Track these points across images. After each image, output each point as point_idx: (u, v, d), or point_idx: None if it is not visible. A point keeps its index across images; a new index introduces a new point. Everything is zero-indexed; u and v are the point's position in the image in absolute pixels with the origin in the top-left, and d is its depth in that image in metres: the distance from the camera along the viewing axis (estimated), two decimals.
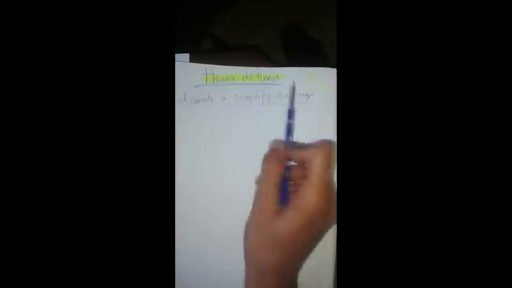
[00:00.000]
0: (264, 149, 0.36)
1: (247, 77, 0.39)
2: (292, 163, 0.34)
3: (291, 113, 0.37)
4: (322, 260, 0.37)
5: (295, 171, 0.34)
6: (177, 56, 0.39)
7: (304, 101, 0.39)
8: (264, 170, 0.33)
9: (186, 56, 0.40)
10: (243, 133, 0.38)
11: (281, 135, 0.37)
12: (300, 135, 0.38)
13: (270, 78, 0.39)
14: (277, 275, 0.30)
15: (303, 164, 0.33)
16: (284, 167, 0.33)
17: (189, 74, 0.39)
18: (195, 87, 0.39)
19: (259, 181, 0.33)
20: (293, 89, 0.38)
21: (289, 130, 0.36)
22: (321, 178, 0.30)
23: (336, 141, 0.36)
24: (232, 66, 0.39)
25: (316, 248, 0.37)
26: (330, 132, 0.38)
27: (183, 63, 0.39)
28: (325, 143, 0.35)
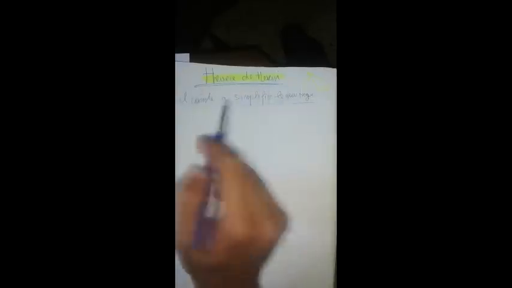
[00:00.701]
0: (265, 148, 0.36)
1: (247, 76, 0.39)
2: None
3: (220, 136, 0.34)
4: (322, 260, 0.37)
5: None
6: (177, 56, 0.39)
7: (304, 101, 0.39)
8: (181, 202, 0.28)
9: (186, 55, 0.40)
10: (242, 133, 0.38)
11: (281, 135, 0.37)
12: (301, 135, 0.38)
13: (270, 78, 0.39)
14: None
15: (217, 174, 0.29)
16: (203, 198, 0.29)
17: (189, 74, 0.39)
18: (195, 87, 0.39)
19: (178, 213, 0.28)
20: (224, 110, 0.37)
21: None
22: (236, 198, 0.26)
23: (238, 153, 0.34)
24: (232, 66, 0.39)
25: (316, 249, 0.37)
26: (330, 132, 0.38)
27: (183, 63, 0.39)
28: (232, 162, 0.29)
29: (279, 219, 0.28)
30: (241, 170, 0.28)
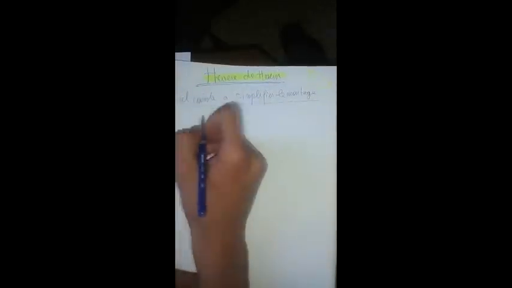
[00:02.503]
0: (265, 147, 0.36)
1: (248, 75, 0.39)
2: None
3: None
4: (322, 260, 0.37)
5: (211, 140, 0.35)
6: (178, 55, 0.39)
7: (306, 99, 0.39)
8: (179, 147, 0.33)
9: (187, 54, 0.40)
10: (245, 132, 0.38)
11: (282, 133, 0.38)
12: (303, 133, 0.38)
13: (272, 76, 0.39)
14: (221, 230, 0.32)
15: (217, 132, 0.34)
16: (199, 145, 0.34)
17: (190, 73, 0.39)
18: (196, 86, 0.39)
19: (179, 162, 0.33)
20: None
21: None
22: (233, 134, 0.32)
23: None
24: (233, 65, 0.39)
25: (316, 248, 0.37)
26: (331, 130, 0.38)
27: (184, 63, 0.39)
28: (229, 106, 0.37)
29: (261, 159, 0.35)
30: (238, 120, 0.34)
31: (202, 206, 0.32)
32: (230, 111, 0.34)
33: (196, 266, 0.34)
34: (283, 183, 0.38)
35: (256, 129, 0.38)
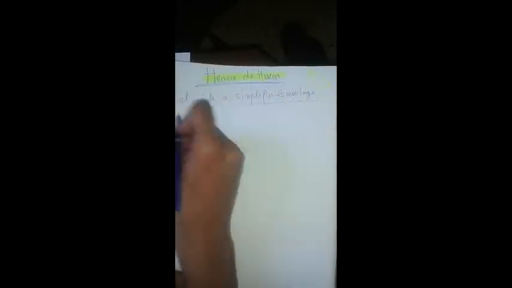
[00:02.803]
0: (265, 146, 0.36)
1: (248, 76, 0.39)
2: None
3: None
4: (322, 259, 0.37)
5: (187, 138, 0.35)
6: (178, 55, 0.39)
7: (306, 99, 0.39)
8: None
9: (187, 54, 0.40)
10: (244, 132, 0.38)
11: (282, 133, 0.38)
12: (302, 133, 0.38)
13: (271, 76, 0.39)
14: (201, 228, 0.32)
15: (191, 129, 0.34)
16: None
17: (190, 74, 0.39)
18: (196, 86, 0.39)
19: None
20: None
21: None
22: (203, 127, 0.32)
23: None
24: (233, 66, 0.39)
25: (316, 247, 0.37)
26: (331, 129, 0.38)
27: (184, 63, 0.39)
28: (199, 102, 0.36)
29: (237, 150, 0.34)
30: (208, 113, 0.33)
31: (177, 202, 0.32)
32: (199, 106, 0.34)
33: (180, 266, 0.33)
34: (283, 182, 0.38)
35: (255, 129, 0.38)
